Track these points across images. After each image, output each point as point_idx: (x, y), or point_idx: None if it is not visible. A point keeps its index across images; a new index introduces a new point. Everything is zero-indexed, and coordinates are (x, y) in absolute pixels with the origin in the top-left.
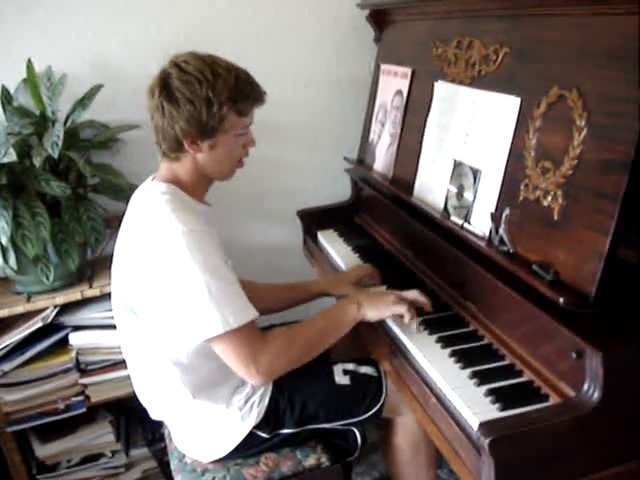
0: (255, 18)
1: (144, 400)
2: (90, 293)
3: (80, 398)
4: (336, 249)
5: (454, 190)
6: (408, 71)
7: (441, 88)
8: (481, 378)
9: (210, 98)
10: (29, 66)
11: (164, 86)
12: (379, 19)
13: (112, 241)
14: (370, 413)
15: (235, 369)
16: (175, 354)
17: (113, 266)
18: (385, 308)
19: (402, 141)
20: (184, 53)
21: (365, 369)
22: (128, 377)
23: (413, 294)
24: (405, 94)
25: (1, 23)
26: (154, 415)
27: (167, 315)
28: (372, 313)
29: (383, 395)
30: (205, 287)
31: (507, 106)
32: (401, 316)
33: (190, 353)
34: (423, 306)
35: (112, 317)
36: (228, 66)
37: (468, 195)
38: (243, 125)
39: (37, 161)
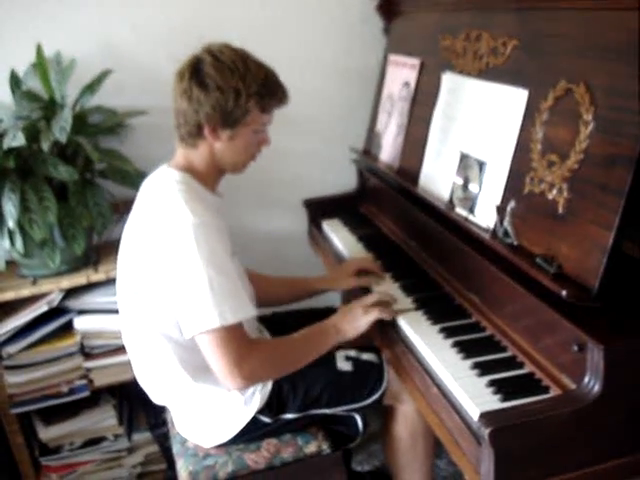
0: (264, 6)
1: (145, 385)
2: (95, 278)
3: (84, 382)
4: (341, 238)
5: (460, 182)
6: (416, 62)
7: (449, 80)
8: (483, 369)
9: (239, 88)
10: (38, 51)
11: (195, 70)
12: (388, 10)
13: (118, 226)
14: (372, 399)
15: (216, 367)
16: (175, 335)
17: (120, 249)
18: (360, 323)
19: (409, 132)
20: (218, 43)
21: (367, 356)
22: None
23: (375, 297)
24: (413, 85)
25: (11, 7)
26: (156, 399)
27: (169, 302)
28: (351, 332)
29: (384, 382)
30: (207, 280)
31: (514, 98)
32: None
33: None
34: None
35: (117, 302)
36: (259, 63)
37: (473, 187)
38: (263, 122)
39: (45, 145)
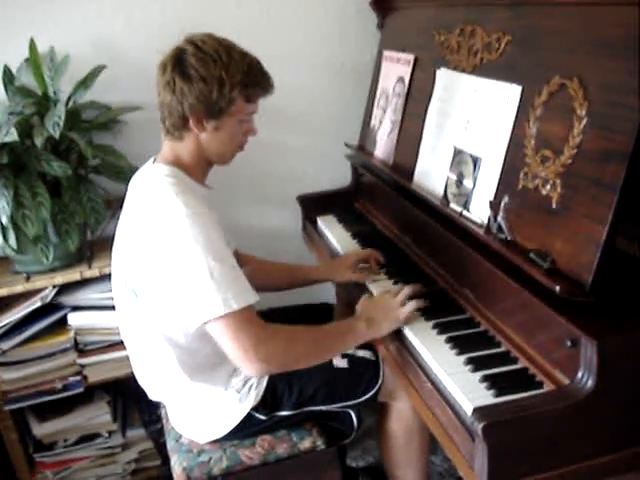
0: (258, 2)
1: (142, 381)
2: (89, 274)
3: (78, 378)
4: (335, 235)
5: (454, 177)
6: (410, 58)
7: (443, 75)
8: (476, 364)
9: (223, 78)
10: (32, 46)
11: (178, 61)
12: (383, 5)
13: (112, 222)
14: (367, 396)
15: (231, 354)
16: (174, 336)
17: (114, 247)
18: (396, 313)
19: (403, 128)
20: (200, 33)
21: (363, 353)
22: (126, 358)
23: (407, 291)
24: (407, 81)
25: (4, 3)
26: (153, 396)
27: (169, 297)
28: (388, 327)
29: (380, 379)
30: (207, 269)
31: (508, 94)
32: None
33: (189, 335)
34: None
35: (111, 298)
36: (243, 52)
37: (468, 183)
38: (248, 112)
39: (38, 141)
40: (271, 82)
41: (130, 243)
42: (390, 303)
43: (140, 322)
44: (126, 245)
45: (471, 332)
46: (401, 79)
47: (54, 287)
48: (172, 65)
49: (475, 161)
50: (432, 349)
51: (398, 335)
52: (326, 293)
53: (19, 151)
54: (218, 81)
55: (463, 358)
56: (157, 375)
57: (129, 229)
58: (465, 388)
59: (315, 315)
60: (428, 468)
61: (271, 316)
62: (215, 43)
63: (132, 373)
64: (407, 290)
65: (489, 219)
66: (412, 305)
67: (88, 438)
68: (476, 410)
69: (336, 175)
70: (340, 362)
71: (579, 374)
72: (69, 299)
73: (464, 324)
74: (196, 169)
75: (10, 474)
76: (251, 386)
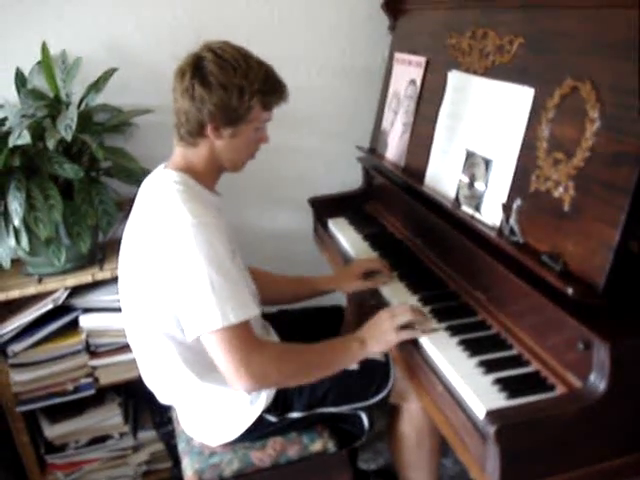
0: (269, 3)
1: (151, 385)
2: (101, 276)
3: (89, 380)
4: (347, 237)
5: (466, 180)
6: (422, 60)
7: (455, 78)
8: (488, 367)
9: (243, 86)
10: (44, 49)
11: (197, 68)
12: (394, 7)
13: (123, 225)
14: (378, 398)
15: (223, 368)
16: (179, 337)
17: (121, 251)
18: (389, 338)
19: (414, 130)
20: (217, 40)
21: (373, 354)
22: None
23: (407, 317)
24: (419, 83)
25: (17, 6)
26: (162, 399)
27: (170, 304)
28: (377, 348)
29: (390, 381)
30: (208, 281)
31: (520, 97)
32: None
33: None
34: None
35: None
36: (259, 60)
37: (479, 185)
38: (264, 119)
39: (51, 144)
40: (286, 90)
41: (136, 248)
42: (385, 326)
43: (145, 324)
44: (132, 250)
45: (483, 335)
46: (413, 81)
47: (66, 289)
48: (191, 72)
49: (487, 163)
50: (444, 351)
51: None
52: (337, 295)
53: (31, 153)
54: (238, 89)
55: (475, 361)
56: (166, 377)
57: (136, 234)
58: (477, 391)
59: (325, 317)
60: (439, 470)
61: (281, 318)
62: (233, 51)
63: None
64: (405, 317)
65: (501, 222)
66: (407, 334)
67: (99, 440)
68: (489, 413)
69: (347, 177)
70: None
71: (591, 377)
72: (81, 301)
73: (476, 327)
74: (207, 176)
75: (21, 475)
76: None
